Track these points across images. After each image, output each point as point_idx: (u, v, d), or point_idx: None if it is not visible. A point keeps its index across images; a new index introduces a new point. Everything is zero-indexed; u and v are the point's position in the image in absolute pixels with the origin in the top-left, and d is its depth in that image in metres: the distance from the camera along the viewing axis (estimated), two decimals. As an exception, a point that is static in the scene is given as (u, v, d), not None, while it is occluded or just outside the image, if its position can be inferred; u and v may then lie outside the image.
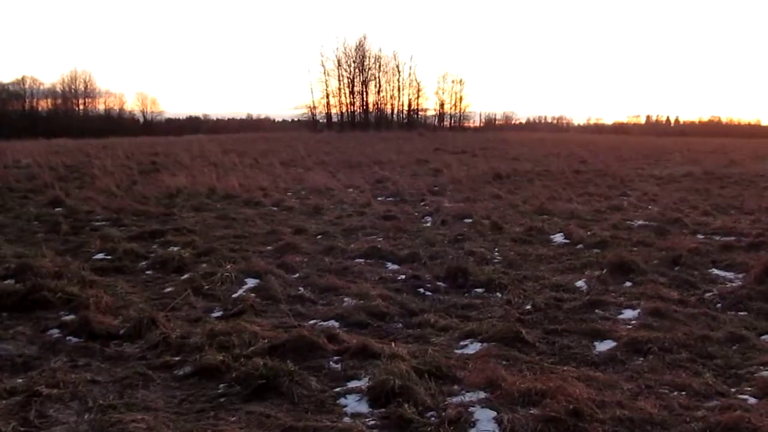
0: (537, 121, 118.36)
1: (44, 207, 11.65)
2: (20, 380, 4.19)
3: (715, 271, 7.30)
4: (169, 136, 55.11)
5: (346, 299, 6.18)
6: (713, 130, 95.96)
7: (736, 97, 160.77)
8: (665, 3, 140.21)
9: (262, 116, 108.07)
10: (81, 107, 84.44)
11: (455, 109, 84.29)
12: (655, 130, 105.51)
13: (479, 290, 6.62)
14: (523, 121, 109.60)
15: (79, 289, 6.07)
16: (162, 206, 11.90)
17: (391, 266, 7.61)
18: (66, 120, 74.48)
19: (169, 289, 6.56)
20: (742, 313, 5.77)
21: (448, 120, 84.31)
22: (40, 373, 4.28)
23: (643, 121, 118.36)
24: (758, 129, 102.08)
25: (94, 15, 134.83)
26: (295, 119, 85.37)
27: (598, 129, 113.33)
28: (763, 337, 5.13)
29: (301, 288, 6.55)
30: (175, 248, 8.27)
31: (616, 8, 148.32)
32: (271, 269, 7.03)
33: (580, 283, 6.78)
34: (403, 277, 7.07)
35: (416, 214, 11.39)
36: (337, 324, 5.49)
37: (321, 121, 79.55)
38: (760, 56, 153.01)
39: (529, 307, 6.01)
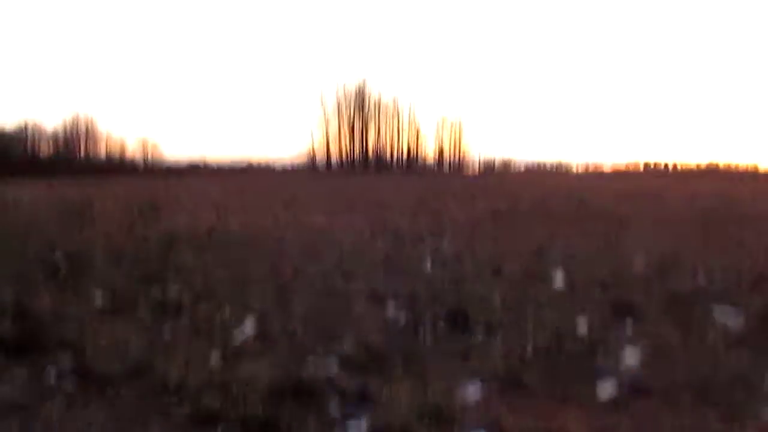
0: (536, 165, 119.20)
1: (43, 248, 11.63)
2: (15, 424, 4.14)
3: (717, 312, 7.25)
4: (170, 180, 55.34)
5: (344, 341, 6.13)
6: (712, 175, 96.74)
7: (734, 142, 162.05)
8: (665, 48, 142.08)
9: (263, 163, 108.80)
10: (82, 152, 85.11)
11: (454, 154, 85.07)
12: (654, 176, 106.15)
13: (479, 332, 6.58)
14: (522, 166, 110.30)
15: (77, 332, 6.04)
16: (162, 247, 11.89)
17: (390, 308, 7.56)
18: (67, 165, 75.07)
19: (167, 332, 6.51)
20: (745, 354, 5.72)
21: (448, 164, 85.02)
22: (36, 417, 4.23)
23: (641, 167, 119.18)
24: (756, 174, 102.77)
25: (98, 60, 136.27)
26: (296, 164, 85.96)
27: (597, 174, 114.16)
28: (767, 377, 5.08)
29: (299, 330, 6.51)
30: (174, 290, 8.24)
31: (615, 53, 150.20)
32: (270, 311, 7.00)
33: (580, 325, 6.74)
34: (403, 318, 7.03)
35: (415, 255, 11.37)
36: (336, 366, 5.44)
37: (321, 165, 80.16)
38: (758, 99, 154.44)
39: (529, 348, 5.96)
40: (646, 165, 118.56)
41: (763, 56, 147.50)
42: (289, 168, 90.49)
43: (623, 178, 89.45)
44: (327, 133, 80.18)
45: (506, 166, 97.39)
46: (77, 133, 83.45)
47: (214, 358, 5.67)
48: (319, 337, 6.31)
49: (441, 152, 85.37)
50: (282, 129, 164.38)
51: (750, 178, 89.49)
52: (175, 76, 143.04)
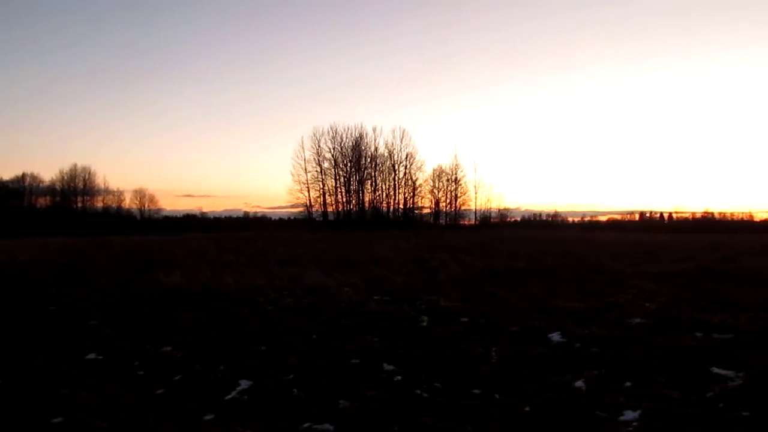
0: (532, 218, 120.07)
1: (38, 305, 11.57)
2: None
3: (716, 370, 7.19)
4: (166, 234, 55.52)
5: (340, 401, 6.06)
6: (706, 225, 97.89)
7: (729, 189, 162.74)
8: (658, 99, 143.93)
9: (259, 214, 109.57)
10: (79, 205, 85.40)
11: (450, 207, 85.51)
12: (650, 226, 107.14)
13: (477, 391, 6.51)
14: (518, 219, 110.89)
15: (70, 390, 5.97)
16: (156, 305, 11.83)
17: (387, 366, 7.49)
18: (64, 217, 75.23)
19: (160, 391, 6.44)
20: (745, 413, 5.66)
21: (444, 218, 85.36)
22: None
23: (637, 217, 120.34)
24: (750, 224, 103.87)
25: (95, 111, 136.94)
26: (292, 217, 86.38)
27: (593, 225, 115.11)
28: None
29: (295, 389, 6.44)
30: (168, 348, 8.17)
31: (609, 103, 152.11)
32: (265, 370, 6.94)
33: (579, 383, 6.68)
34: (400, 377, 6.96)
35: (412, 313, 11.31)
36: (331, 427, 5.36)
37: (317, 219, 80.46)
38: (750, 147, 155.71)
39: (528, 408, 5.89)
40: (642, 214, 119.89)
41: (755, 105, 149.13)
42: (286, 219, 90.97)
43: (620, 229, 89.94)
44: (323, 187, 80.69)
45: (503, 217, 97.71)
46: (74, 184, 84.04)
47: (208, 419, 5.60)
48: (314, 397, 6.24)
49: (437, 204, 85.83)
50: (280, 182, 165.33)
51: (745, 227, 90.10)
52: (171, 127, 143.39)
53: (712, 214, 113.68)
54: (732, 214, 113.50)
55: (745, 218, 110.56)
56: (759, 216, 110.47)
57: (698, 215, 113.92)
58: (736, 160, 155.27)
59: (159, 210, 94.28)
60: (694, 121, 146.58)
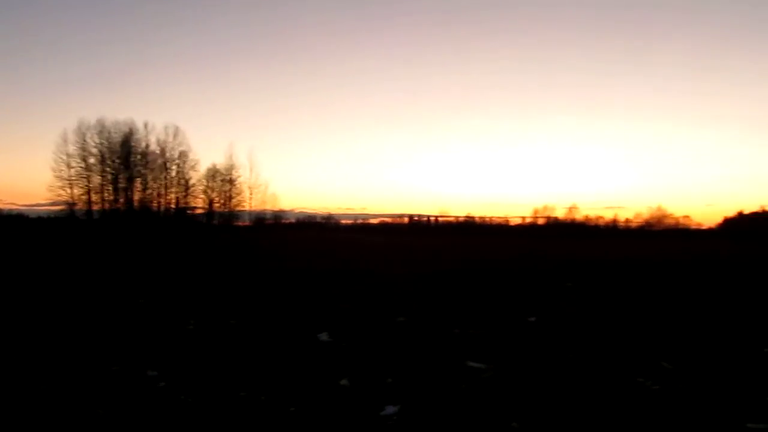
0: (307, 219, 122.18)
1: None
2: None
3: (471, 363, 7.71)
4: None
5: (99, 410, 5.66)
6: (468, 228, 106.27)
7: (488, 195, 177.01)
8: (429, 110, 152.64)
9: (14, 212, 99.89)
10: None
11: (224, 208, 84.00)
12: (418, 229, 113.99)
13: (243, 394, 6.39)
14: (293, 220, 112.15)
15: None
16: None
17: (150, 372, 7.14)
18: None
19: None
20: (495, 402, 6.09)
21: (217, 218, 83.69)
22: None
23: (406, 220, 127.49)
24: (505, 228, 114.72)
25: None
26: (53, 216, 79.74)
27: (365, 228, 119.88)
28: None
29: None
30: None
31: (383, 109, 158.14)
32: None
33: (344, 381, 6.81)
34: (164, 383, 6.66)
35: (180, 317, 10.93)
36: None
37: (81, 217, 75.10)
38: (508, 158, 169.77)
39: (293, 408, 5.90)
40: (410, 218, 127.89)
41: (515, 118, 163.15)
42: (46, 218, 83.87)
43: (390, 232, 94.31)
44: (89, 182, 75.35)
45: (277, 218, 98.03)
46: None
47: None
48: (68, 408, 5.77)
49: (211, 204, 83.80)
50: (40, 173, 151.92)
51: (502, 231, 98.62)
52: None
53: (473, 218, 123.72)
54: (491, 218, 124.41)
55: (501, 222, 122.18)
56: (513, 221, 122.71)
57: (461, 219, 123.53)
58: (496, 171, 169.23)
59: None
60: (460, 132, 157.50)
